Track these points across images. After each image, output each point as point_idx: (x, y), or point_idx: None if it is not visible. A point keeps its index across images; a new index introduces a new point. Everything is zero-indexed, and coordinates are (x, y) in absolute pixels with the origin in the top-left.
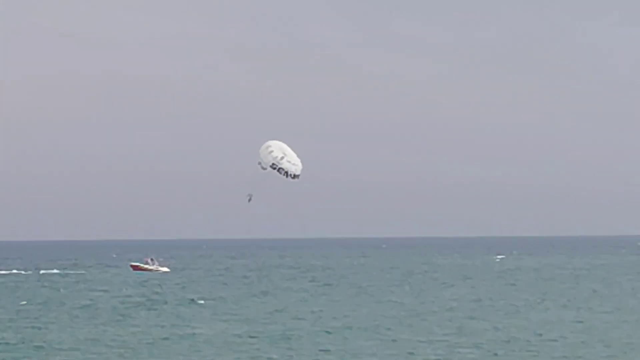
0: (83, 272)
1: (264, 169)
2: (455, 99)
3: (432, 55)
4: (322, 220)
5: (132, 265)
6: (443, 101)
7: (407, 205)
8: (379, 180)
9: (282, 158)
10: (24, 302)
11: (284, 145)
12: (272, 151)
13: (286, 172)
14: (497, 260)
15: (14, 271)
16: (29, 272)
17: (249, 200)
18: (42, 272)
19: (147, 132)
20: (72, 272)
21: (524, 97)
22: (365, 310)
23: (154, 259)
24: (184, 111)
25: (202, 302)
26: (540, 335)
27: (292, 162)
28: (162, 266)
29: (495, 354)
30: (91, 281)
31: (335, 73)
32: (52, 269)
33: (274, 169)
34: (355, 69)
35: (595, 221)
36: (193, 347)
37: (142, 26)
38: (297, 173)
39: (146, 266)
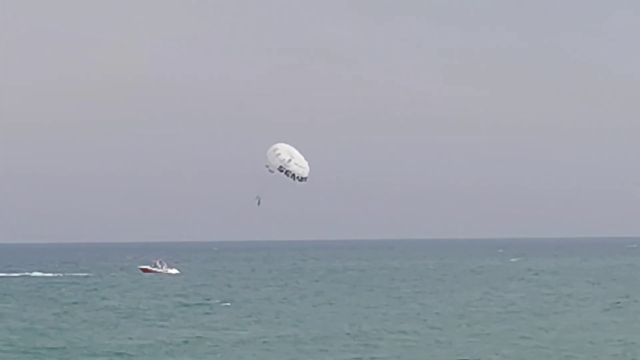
0: (98, 275)
1: (272, 171)
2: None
3: (436, 56)
4: (328, 223)
5: (141, 268)
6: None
7: (394, 209)
8: (378, 182)
9: (289, 161)
10: (58, 307)
11: (292, 148)
12: (279, 154)
13: (293, 175)
14: (513, 261)
15: (36, 274)
16: (54, 274)
17: (258, 203)
18: (63, 275)
19: (154, 133)
20: (85, 275)
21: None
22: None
23: (162, 261)
24: (192, 112)
25: (228, 304)
26: None
27: (300, 164)
28: (170, 268)
29: None
30: (117, 285)
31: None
32: (75, 272)
33: (282, 171)
34: (364, 69)
35: (579, 223)
36: (233, 349)
37: (142, 26)
38: (304, 175)
39: (155, 269)
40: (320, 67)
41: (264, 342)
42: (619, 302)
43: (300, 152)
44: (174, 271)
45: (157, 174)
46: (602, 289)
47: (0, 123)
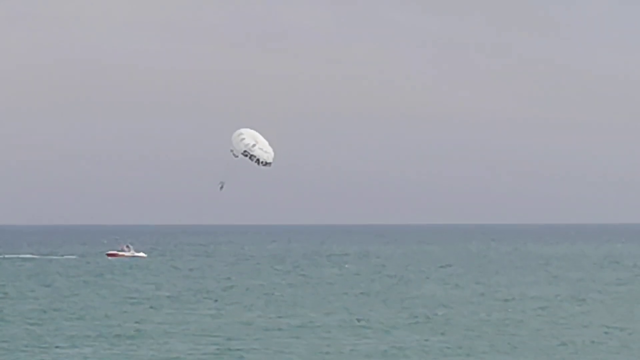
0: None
1: (236, 156)
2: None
3: (421, 44)
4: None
5: (107, 254)
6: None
7: (388, 195)
8: (358, 169)
9: (253, 145)
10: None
11: (256, 133)
12: (243, 138)
13: (258, 160)
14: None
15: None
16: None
17: (221, 188)
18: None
19: (121, 118)
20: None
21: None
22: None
23: (129, 245)
24: (160, 97)
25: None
26: None
27: (264, 149)
28: (138, 252)
29: None
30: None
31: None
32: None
33: (246, 156)
34: (348, 56)
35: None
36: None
37: (120, 12)
38: (269, 160)
39: (122, 253)
40: (300, 57)
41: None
42: None
43: (266, 138)
44: (142, 254)
45: (125, 158)
46: None
47: None
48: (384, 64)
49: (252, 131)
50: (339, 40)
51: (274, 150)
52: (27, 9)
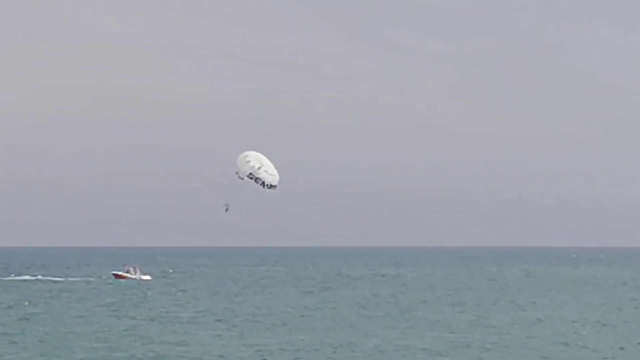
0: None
1: (241, 178)
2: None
3: (427, 64)
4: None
5: (114, 274)
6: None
7: (385, 216)
8: (360, 190)
9: (259, 168)
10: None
11: (261, 156)
12: (249, 161)
13: (263, 182)
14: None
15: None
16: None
17: (226, 210)
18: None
19: (122, 141)
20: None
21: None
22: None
23: (135, 267)
24: (167, 118)
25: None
26: None
27: (270, 172)
28: (143, 275)
29: None
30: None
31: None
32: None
33: (251, 178)
34: (348, 80)
35: (523, 233)
36: None
37: (129, 31)
38: (274, 183)
39: (128, 275)
40: (303, 79)
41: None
42: None
43: (272, 160)
44: (147, 277)
45: (129, 181)
46: None
47: None
48: (393, 84)
49: (258, 154)
50: (348, 60)
51: (280, 173)
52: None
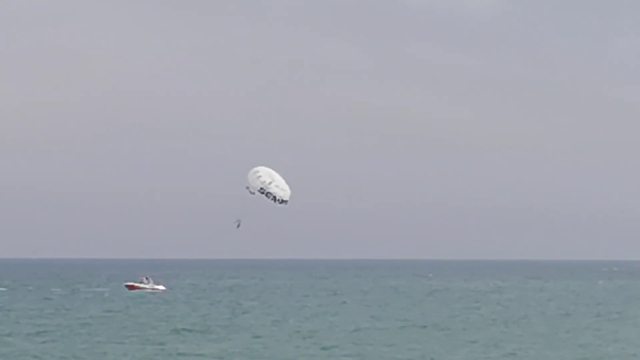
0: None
1: (252, 193)
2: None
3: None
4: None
5: (127, 285)
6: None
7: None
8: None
9: (270, 183)
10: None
11: (272, 172)
12: (260, 176)
13: (274, 197)
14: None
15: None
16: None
17: (238, 226)
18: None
19: (133, 150)
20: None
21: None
22: None
23: (149, 277)
24: (176, 129)
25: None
26: None
27: (281, 187)
28: (157, 284)
29: None
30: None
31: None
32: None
33: (262, 193)
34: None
35: (552, 246)
36: None
37: (130, 40)
38: (285, 198)
39: (141, 285)
40: (318, 84)
41: None
42: None
43: (283, 176)
44: (161, 287)
45: (140, 192)
46: None
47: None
48: (415, 98)
49: (269, 169)
50: (372, 74)
51: (291, 188)
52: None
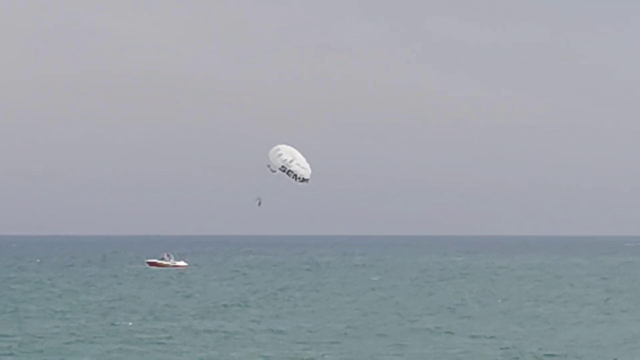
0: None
1: (273, 171)
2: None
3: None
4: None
5: (148, 262)
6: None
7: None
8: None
9: (291, 161)
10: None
11: (294, 150)
12: (281, 154)
13: (295, 175)
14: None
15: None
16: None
17: (259, 204)
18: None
19: (158, 130)
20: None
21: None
22: None
23: (170, 254)
24: (200, 109)
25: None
26: None
27: (302, 165)
28: (178, 261)
29: None
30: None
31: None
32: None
33: (283, 171)
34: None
35: (576, 221)
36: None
37: (153, 22)
38: (306, 177)
39: (163, 262)
40: (331, 65)
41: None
42: None
43: (304, 154)
44: (182, 263)
45: (161, 169)
46: None
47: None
48: (434, 75)
49: (290, 147)
50: (386, 48)
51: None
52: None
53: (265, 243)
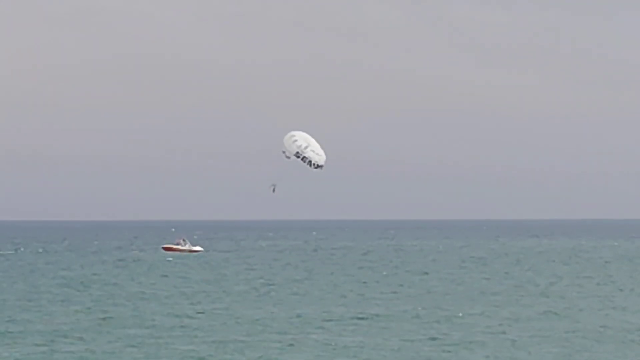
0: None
1: (288, 157)
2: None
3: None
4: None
5: (164, 247)
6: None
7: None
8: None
9: (306, 147)
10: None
11: (308, 136)
12: (296, 140)
13: (310, 161)
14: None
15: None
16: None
17: (273, 190)
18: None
19: (175, 114)
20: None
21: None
22: None
23: (185, 239)
24: (216, 94)
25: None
26: None
27: (317, 152)
28: (194, 246)
29: None
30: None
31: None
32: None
33: (298, 157)
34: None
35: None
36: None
37: (168, 6)
38: (320, 163)
39: (178, 247)
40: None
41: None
42: None
43: (318, 140)
44: (198, 248)
45: (175, 155)
46: None
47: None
48: (453, 61)
49: (305, 134)
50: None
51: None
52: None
53: (289, 227)
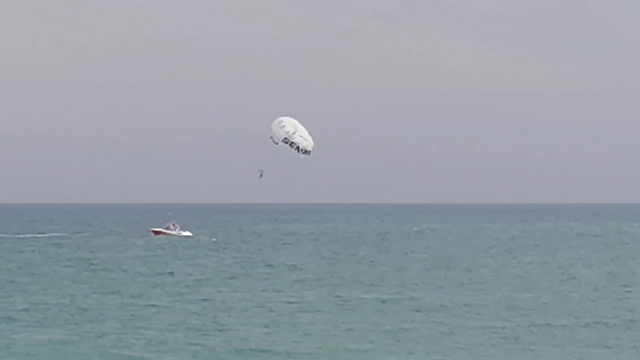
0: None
1: (276, 143)
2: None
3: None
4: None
5: (153, 231)
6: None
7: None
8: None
9: (294, 133)
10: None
11: (296, 122)
12: (284, 126)
13: (298, 147)
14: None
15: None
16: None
17: (260, 176)
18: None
19: (164, 96)
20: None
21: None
22: None
23: (175, 223)
24: (204, 75)
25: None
26: None
27: (304, 137)
28: (184, 231)
29: None
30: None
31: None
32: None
33: (286, 143)
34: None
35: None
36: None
37: None
38: (308, 149)
39: (168, 231)
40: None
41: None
42: None
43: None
44: (187, 233)
45: (166, 137)
46: None
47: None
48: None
49: (292, 119)
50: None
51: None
52: None
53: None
